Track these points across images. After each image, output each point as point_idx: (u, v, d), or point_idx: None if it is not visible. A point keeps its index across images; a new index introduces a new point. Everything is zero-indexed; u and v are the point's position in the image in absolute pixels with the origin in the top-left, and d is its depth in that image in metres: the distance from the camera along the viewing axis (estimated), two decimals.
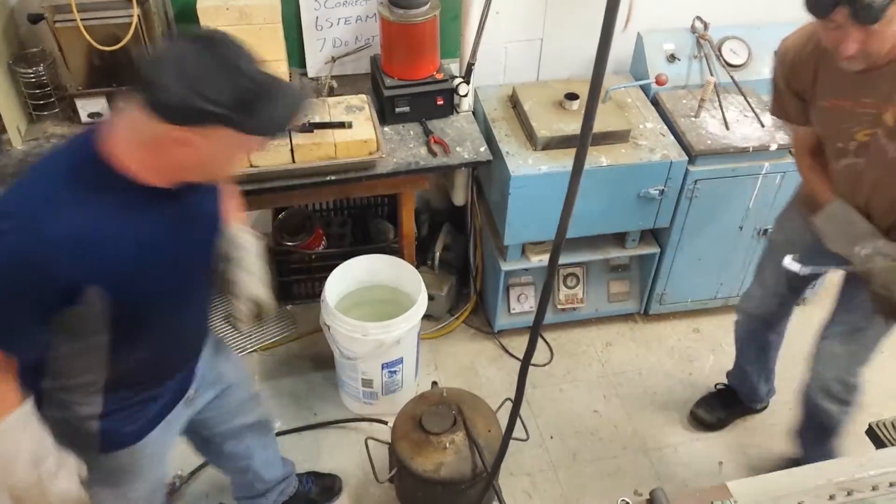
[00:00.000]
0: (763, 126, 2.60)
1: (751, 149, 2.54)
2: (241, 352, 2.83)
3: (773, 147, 2.54)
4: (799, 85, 1.88)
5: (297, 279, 2.99)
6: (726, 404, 2.69)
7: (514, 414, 1.52)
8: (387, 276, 2.64)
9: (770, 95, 2.03)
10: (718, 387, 2.74)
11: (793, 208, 2.20)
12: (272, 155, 2.27)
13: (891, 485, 1.28)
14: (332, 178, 2.33)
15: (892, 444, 1.63)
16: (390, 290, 2.65)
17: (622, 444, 2.59)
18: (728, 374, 2.71)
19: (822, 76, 1.80)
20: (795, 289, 2.32)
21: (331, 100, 2.47)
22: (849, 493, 1.28)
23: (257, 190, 2.28)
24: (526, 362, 1.38)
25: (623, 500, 1.56)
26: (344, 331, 2.39)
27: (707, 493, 1.55)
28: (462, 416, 2.15)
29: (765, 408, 2.72)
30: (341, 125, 2.34)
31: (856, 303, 2.03)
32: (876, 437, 1.68)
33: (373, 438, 2.26)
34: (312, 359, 2.83)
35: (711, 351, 2.92)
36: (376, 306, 2.67)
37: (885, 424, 1.72)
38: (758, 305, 2.38)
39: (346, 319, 2.37)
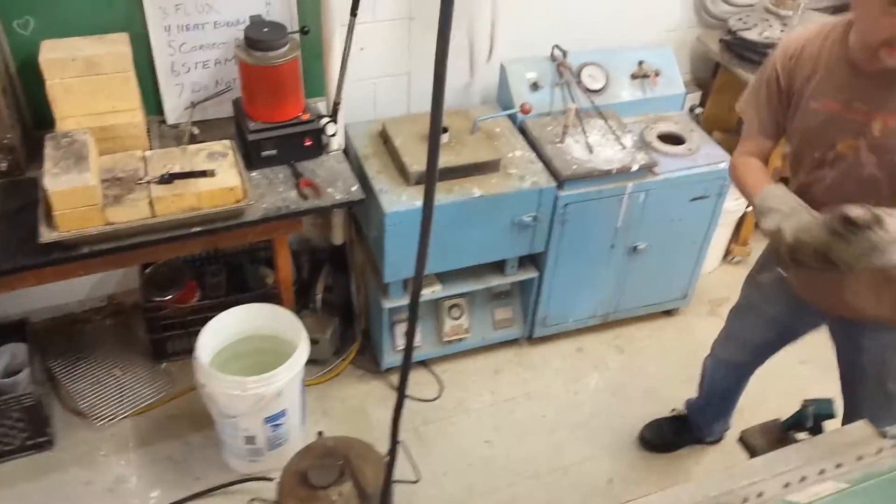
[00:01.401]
0: (624, 148, 2.70)
1: (614, 170, 2.63)
2: (111, 418, 2.66)
3: (635, 167, 2.64)
4: (795, 79, 1.78)
5: (171, 335, 2.85)
6: (676, 431, 2.70)
7: (391, 462, 1.49)
8: (264, 324, 2.54)
9: (748, 90, 1.92)
10: (673, 412, 2.74)
11: (765, 266, 2.15)
12: (128, 210, 2.14)
13: (759, 495, 1.33)
14: (198, 229, 2.23)
15: (760, 452, 1.70)
16: (270, 338, 2.55)
17: (516, 471, 2.60)
18: (688, 403, 2.69)
19: (822, 74, 1.72)
20: (773, 346, 2.26)
21: (192, 147, 2.37)
22: None
23: (115, 248, 2.15)
24: (397, 414, 1.35)
25: None
26: (221, 388, 2.28)
27: None
28: (350, 466, 2.09)
29: (717, 441, 2.73)
30: (203, 174, 2.24)
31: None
32: (746, 445, 1.75)
33: (258, 499, 2.15)
34: (191, 419, 2.68)
35: (595, 368, 2.99)
36: (256, 357, 2.56)
37: (753, 432, 1.79)
38: (732, 354, 2.36)
39: (222, 376, 2.27)
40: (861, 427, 1.64)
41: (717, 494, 1.40)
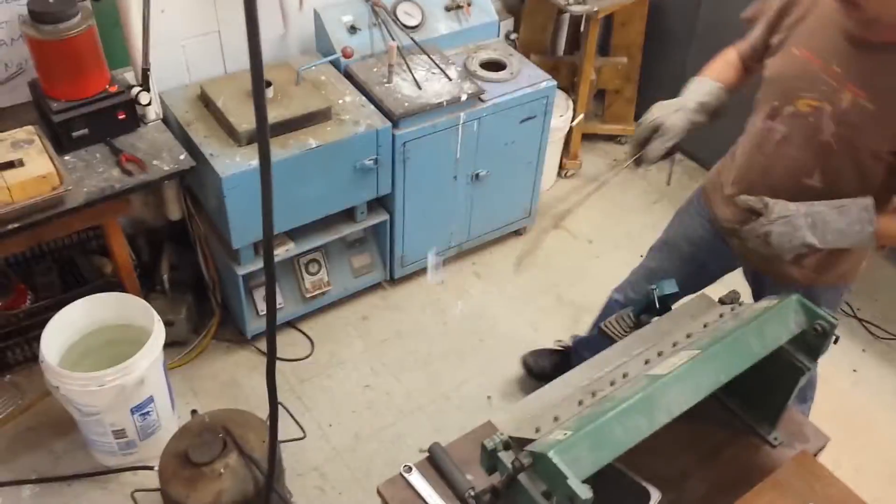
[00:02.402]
0: (450, 80, 2.74)
1: (444, 103, 2.66)
2: None
3: (464, 97, 2.69)
4: (789, 14, 1.71)
5: (9, 345, 2.62)
6: (557, 366, 2.63)
7: (273, 418, 1.48)
8: (112, 314, 2.40)
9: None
10: (558, 344, 2.74)
11: (693, 204, 2.11)
12: None
13: (624, 376, 1.43)
14: (15, 226, 2.05)
15: (619, 338, 1.83)
16: (120, 328, 2.42)
17: (398, 409, 2.65)
18: (576, 340, 2.62)
19: (812, 23, 1.66)
20: (687, 285, 2.11)
21: None
22: (593, 395, 1.40)
23: None
24: (271, 370, 1.34)
25: (406, 466, 1.59)
26: (76, 387, 2.14)
27: (476, 435, 1.63)
28: (231, 437, 2.05)
29: None
30: (10, 165, 2.05)
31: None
32: (608, 337, 1.87)
33: (140, 490, 2.07)
34: (51, 426, 2.51)
35: (459, 298, 3.07)
36: (109, 350, 2.42)
37: (611, 323, 1.92)
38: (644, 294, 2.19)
39: (76, 374, 2.13)
40: (701, 298, 1.80)
41: (588, 384, 1.49)
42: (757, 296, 2.10)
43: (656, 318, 1.82)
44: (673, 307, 1.85)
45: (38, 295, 2.67)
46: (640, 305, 1.91)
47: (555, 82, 2.91)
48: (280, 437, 2.16)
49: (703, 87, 1.84)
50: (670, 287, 1.88)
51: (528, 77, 2.90)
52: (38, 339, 2.49)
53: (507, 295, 3.10)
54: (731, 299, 1.76)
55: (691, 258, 2.12)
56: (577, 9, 3.05)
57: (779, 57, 1.73)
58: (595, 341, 2.49)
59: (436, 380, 2.76)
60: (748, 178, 1.86)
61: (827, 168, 1.69)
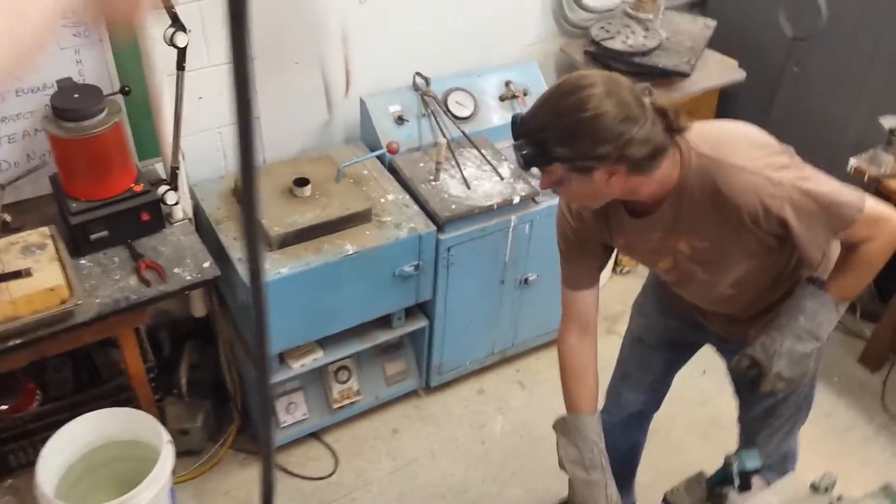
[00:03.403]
0: (502, 179, 2.52)
1: (495, 206, 2.44)
2: None
3: (517, 200, 2.47)
4: (593, 230, 1.70)
5: (12, 449, 2.43)
6: None
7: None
8: (119, 430, 2.19)
9: (561, 265, 1.79)
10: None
11: (648, 293, 2.08)
12: None
13: None
14: (17, 342, 1.86)
15: None
16: (128, 444, 2.20)
17: None
18: None
19: (612, 218, 1.66)
20: (665, 373, 2.14)
21: (1, 242, 1.99)
22: None
23: None
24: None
25: None
26: None
27: None
28: None
29: None
30: (18, 275, 1.87)
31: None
32: None
33: None
34: None
35: (499, 410, 2.81)
36: (113, 467, 2.21)
37: (678, 492, 1.65)
38: (628, 401, 2.16)
39: None
40: (792, 484, 1.54)
41: None
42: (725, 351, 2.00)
43: (735, 494, 1.58)
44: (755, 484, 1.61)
45: (47, 393, 2.48)
46: (716, 476, 1.66)
47: None
48: None
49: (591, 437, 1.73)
50: (752, 462, 1.63)
51: None
52: (43, 441, 2.31)
53: (553, 408, 2.79)
54: (826, 486, 1.50)
55: (662, 342, 2.06)
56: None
57: (618, 249, 1.78)
58: None
59: None
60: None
61: (737, 292, 1.70)
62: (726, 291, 1.71)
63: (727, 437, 2.19)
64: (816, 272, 1.69)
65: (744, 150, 1.48)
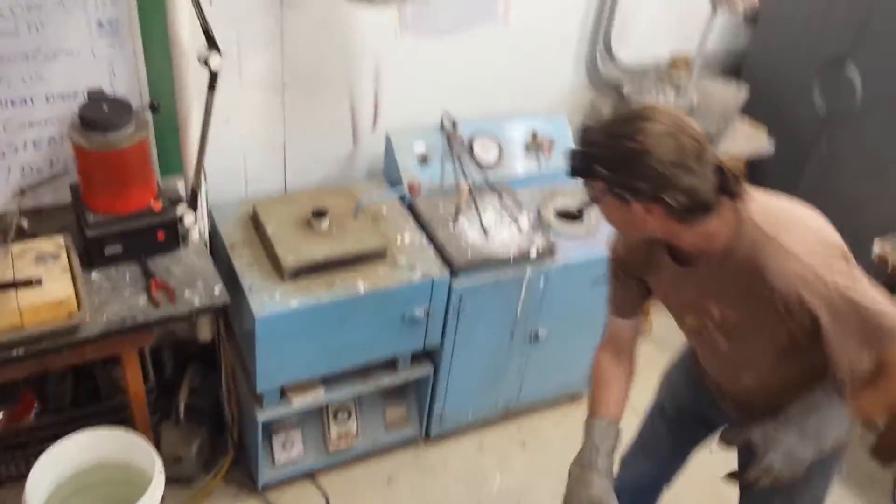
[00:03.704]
0: (521, 230, 2.49)
1: (511, 257, 2.41)
2: None
3: (534, 253, 2.44)
4: (637, 264, 1.69)
5: (3, 460, 2.38)
6: None
7: None
8: (112, 452, 2.13)
9: (609, 294, 1.81)
10: None
11: (679, 363, 2.04)
12: None
13: None
14: (20, 352, 1.83)
15: None
16: (119, 468, 2.15)
17: None
18: None
19: (657, 255, 1.64)
20: (684, 447, 2.09)
21: (16, 248, 1.97)
22: None
23: None
24: None
25: None
26: None
27: None
28: None
29: None
30: (28, 283, 1.85)
31: None
32: None
33: None
34: None
35: (498, 468, 2.73)
36: (103, 489, 2.16)
37: None
38: (640, 475, 2.13)
39: None
40: None
41: None
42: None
43: None
44: None
45: (45, 405, 2.45)
46: None
47: None
48: None
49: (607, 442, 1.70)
50: None
51: (607, 235, 2.63)
52: (36, 454, 2.25)
53: (554, 472, 2.69)
54: None
55: (682, 416, 2.02)
56: None
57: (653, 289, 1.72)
58: None
59: None
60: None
61: (758, 376, 1.66)
62: (747, 378, 1.67)
63: None
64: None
65: (804, 240, 1.43)
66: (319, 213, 2.33)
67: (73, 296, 1.88)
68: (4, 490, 2.41)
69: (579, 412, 2.96)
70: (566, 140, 2.83)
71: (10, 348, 1.82)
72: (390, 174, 2.65)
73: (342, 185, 2.59)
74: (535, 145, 2.77)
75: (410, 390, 2.68)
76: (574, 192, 2.81)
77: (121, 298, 2.02)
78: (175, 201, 2.20)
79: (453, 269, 2.35)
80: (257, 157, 2.59)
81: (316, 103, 2.59)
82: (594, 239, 2.61)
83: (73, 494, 2.13)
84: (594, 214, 2.68)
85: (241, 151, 2.54)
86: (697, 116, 2.86)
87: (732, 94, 3.07)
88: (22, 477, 2.40)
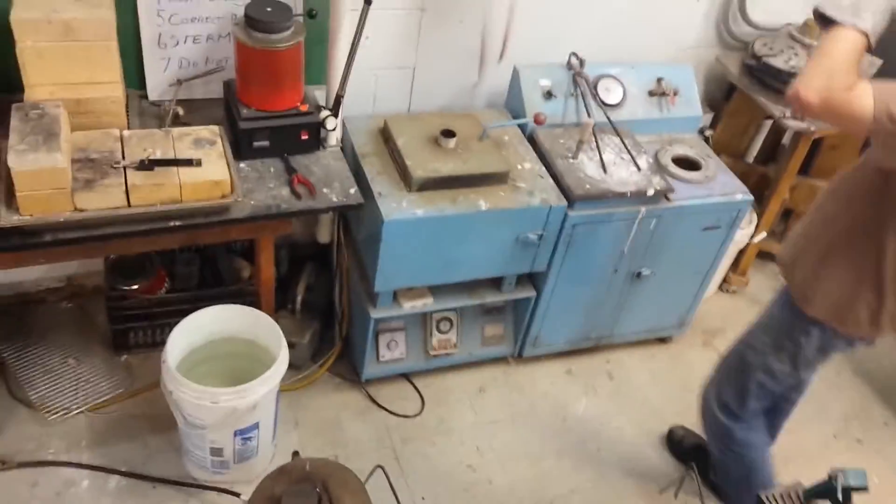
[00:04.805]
0: (639, 169, 2.55)
1: (629, 193, 2.47)
2: (64, 412, 2.43)
3: (651, 192, 2.49)
4: None
5: (134, 327, 2.62)
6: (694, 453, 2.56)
7: None
8: (241, 328, 2.34)
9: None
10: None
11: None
12: (101, 197, 1.92)
13: None
14: (177, 224, 2.01)
15: None
16: (246, 343, 2.35)
17: (498, 501, 2.45)
18: (712, 471, 2.48)
19: None
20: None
21: (176, 131, 2.15)
22: None
23: (83, 238, 1.93)
24: None
25: None
26: (189, 397, 2.08)
27: None
28: (328, 495, 1.91)
29: None
30: (189, 163, 2.02)
31: None
32: None
33: None
34: (151, 420, 2.47)
35: (584, 393, 2.85)
36: (228, 362, 2.37)
37: (773, 498, 1.66)
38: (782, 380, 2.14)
39: (193, 385, 2.06)
40: None
41: None
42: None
43: None
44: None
45: (174, 284, 2.67)
46: (816, 489, 1.67)
47: (751, 197, 2.66)
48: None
49: None
50: (858, 479, 1.63)
51: (723, 184, 2.66)
52: (163, 327, 2.48)
53: (637, 404, 2.85)
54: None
55: None
56: (793, 124, 2.78)
57: None
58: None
59: (544, 480, 2.54)
60: None
61: None
62: None
63: (804, 472, 2.15)
64: None
65: None
66: (448, 133, 2.43)
67: (229, 179, 2.04)
68: (130, 356, 2.66)
69: (668, 355, 3.06)
70: (690, 90, 2.84)
71: (169, 219, 2.00)
72: (513, 106, 2.72)
73: (464, 112, 2.68)
74: (659, 91, 2.79)
75: (510, 310, 2.80)
76: (693, 142, 2.83)
77: (265, 188, 2.18)
78: (319, 107, 2.33)
79: (570, 199, 2.43)
80: (388, 76, 2.69)
81: (449, 30, 2.66)
82: (710, 187, 2.64)
83: (203, 361, 2.34)
84: (712, 164, 2.72)
85: (374, 70, 2.65)
86: None
87: (865, 64, 3.01)
88: (148, 346, 2.67)
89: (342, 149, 2.42)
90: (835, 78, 1.58)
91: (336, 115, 2.31)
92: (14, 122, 1.91)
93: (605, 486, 2.55)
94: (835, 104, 1.59)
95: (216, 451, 2.24)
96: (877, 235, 1.80)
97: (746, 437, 2.25)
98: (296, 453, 2.12)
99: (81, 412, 2.46)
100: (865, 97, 1.57)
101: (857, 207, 1.84)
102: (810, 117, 1.63)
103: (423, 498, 2.42)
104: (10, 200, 1.87)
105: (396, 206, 2.28)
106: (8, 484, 2.25)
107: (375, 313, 2.49)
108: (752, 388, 2.14)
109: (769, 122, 3.32)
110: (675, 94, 2.79)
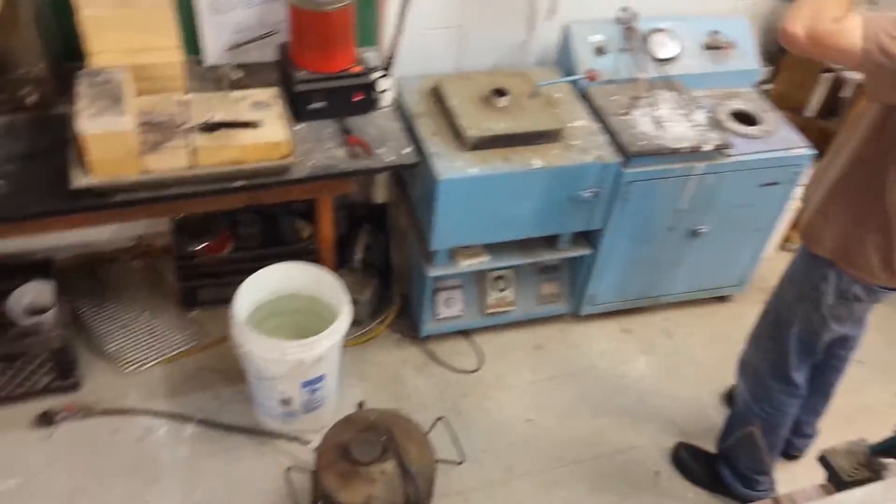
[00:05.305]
0: (695, 125, 2.51)
1: (685, 149, 2.44)
2: (140, 364, 2.57)
3: (708, 148, 2.46)
4: None
5: (202, 284, 2.74)
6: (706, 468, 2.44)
7: None
8: (305, 284, 2.42)
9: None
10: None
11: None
12: (167, 158, 2.00)
13: None
14: (240, 184, 2.09)
15: (842, 475, 1.56)
16: (309, 299, 2.44)
17: (557, 455, 2.50)
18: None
19: None
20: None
21: (235, 94, 2.22)
22: None
23: (150, 199, 2.02)
24: None
25: None
26: (259, 351, 2.17)
27: None
28: (394, 444, 1.99)
29: (796, 457, 2.49)
30: (250, 125, 2.09)
31: None
32: (827, 465, 1.61)
33: (295, 468, 2.06)
34: (222, 372, 2.59)
35: (642, 352, 2.86)
36: (292, 317, 2.46)
37: (837, 454, 1.63)
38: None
39: (262, 338, 2.16)
40: None
41: None
42: None
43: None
44: None
45: (238, 244, 2.77)
46: (882, 445, 1.64)
47: (813, 151, 2.59)
48: (438, 455, 2.09)
49: None
50: None
51: (783, 139, 2.61)
52: (228, 284, 2.57)
53: (694, 363, 2.84)
54: None
55: None
56: (853, 76, 2.69)
57: None
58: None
59: (602, 436, 2.57)
60: None
61: None
62: None
63: (870, 429, 2.12)
64: None
65: None
66: (500, 92, 2.44)
67: (288, 140, 2.11)
68: (199, 312, 2.78)
69: (725, 313, 3.03)
70: (747, 43, 2.77)
71: (232, 180, 2.08)
72: (564, 63, 2.70)
73: (514, 70, 2.68)
74: (714, 44, 2.73)
75: (566, 268, 2.81)
76: (751, 96, 2.77)
77: (322, 149, 2.23)
78: (371, 69, 2.37)
79: (625, 156, 2.42)
80: (437, 36, 2.70)
81: None
82: (769, 142, 2.59)
83: (268, 317, 2.44)
84: (770, 119, 2.66)
85: (423, 29, 2.65)
86: None
87: None
88: (215, 303, 2.77)
89: (395, 109, 2.46)
90: (822, 9, 1.54)
91: (388, 75, 2.34)
92: (82, 87, 2.00)
93: (665, 444, 2.56)
94: (821, 36, 1.55)
95: (285, 402, 2.33)
96: (878, 172, 1.75)
97: (782, 402, 2.21)
98: (361, 404, 2.20)
99: (156, 364, 2.59)
100: (854, 28, 1.53)
101: (858, 142, 1.78)
102: (798, 52, 1.58)
103: (483, 450, 2.48)
104: (82, 163, 1.97)
105: (450, 165, 2.31)
106: (91, 431, 2.40)
107: (432, 271, 2.54)
108: (791, 342, 2.10)
109: (829, 76, 3.21)
110: (732, 47, 2.73)
